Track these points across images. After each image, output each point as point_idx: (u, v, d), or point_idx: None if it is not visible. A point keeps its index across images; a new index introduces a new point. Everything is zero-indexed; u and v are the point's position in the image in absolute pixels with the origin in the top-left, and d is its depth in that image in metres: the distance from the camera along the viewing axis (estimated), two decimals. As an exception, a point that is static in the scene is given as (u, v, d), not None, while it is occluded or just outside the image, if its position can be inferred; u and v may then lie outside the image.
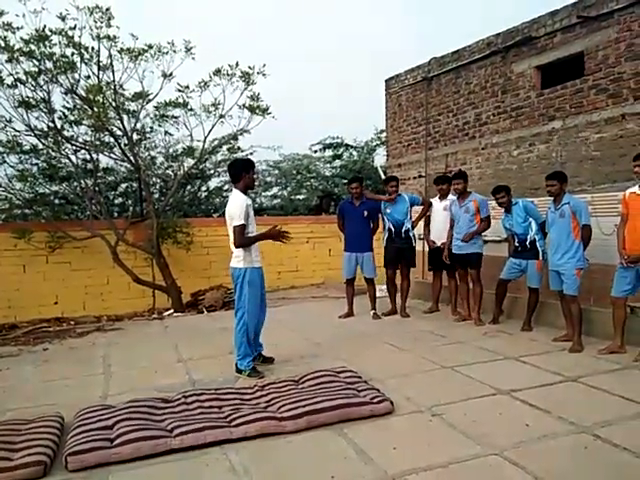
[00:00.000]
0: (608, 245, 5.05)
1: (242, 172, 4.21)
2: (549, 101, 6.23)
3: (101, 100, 6.73)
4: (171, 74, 7.19)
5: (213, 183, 12.24)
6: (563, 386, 3.73)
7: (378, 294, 6.56)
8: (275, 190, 13.89)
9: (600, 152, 5.67)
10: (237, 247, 4.14)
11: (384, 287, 6.82)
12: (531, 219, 5.34)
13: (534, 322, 5.49)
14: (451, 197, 6.41)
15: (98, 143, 7.55)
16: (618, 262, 4.40)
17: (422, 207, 6.55)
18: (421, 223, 6.67)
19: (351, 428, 3.07)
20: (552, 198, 4.95)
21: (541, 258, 5.29)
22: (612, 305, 4.48)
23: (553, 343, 4.88)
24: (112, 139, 7.41)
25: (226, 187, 11.96)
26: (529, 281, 5.39)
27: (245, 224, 4.07)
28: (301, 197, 13.74)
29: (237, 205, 4.10)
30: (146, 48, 7.01)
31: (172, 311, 7.43)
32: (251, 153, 11.55)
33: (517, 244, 5.45)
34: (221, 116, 7.43)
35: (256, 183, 12.97)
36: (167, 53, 7.09)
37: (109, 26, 6.71)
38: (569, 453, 2.70)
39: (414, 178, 8.61)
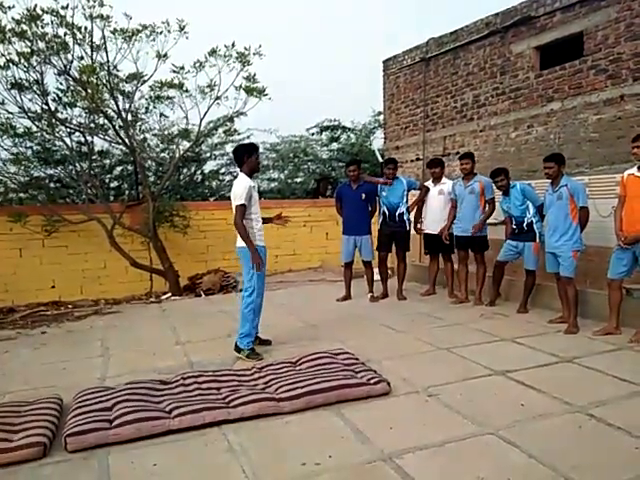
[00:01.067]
0: (605, 227, 5.06)
1: (244, 155, 4.31)
2: (548, 82, 6.18)
3: (95, 81, 6.64)
4: (165, 54, 7.08)
5: (209, 166, 12.18)
6: (558, 367, 3.77)
7: (375, 277, 6.58)
8: (272, 173, 13.82)
9: (598, 134, 5.64)
10: (235, 224, 4.20)
11: (380, 270, 6.83)
12: (528, 202, 5.34)
13: (530, 304, 5.52)
14: (446, 180, 6.39)
15: (93, 125, 7.46)
16: (615, 244, 4.41)
17: (419, 191, 6.52)
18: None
19: (348, 409, 3.10)
20: (550, 180, 4.93)
21: (538, 240, 5.29)
22: (608, 287, 4.50)
23: (549, 325, 4.92)
24: (106, 121, 7.33)
25: (222, 170, 11.91)
26: (526, 263, 5.40)
27: (246, 204, 4.18)
28: (298, 180, 13.68)
29: (240, 186, 4.23)
30: (140, 28, 6.88)
31: (170, 295, 7.44)
32: (248, 136, 11.48)
33: (514, 226, 5.45)
34: (217, 98, 7.34)
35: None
36: (161, 33, 6.97)
37: (102, 5, 6.58)
38: (563, 432, 2.74)
39: (412, 161, 8.58)
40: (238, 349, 4.27)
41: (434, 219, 6.35)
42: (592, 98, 5.67)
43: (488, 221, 6.01)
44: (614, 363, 3.76)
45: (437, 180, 6.41)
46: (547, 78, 6.18)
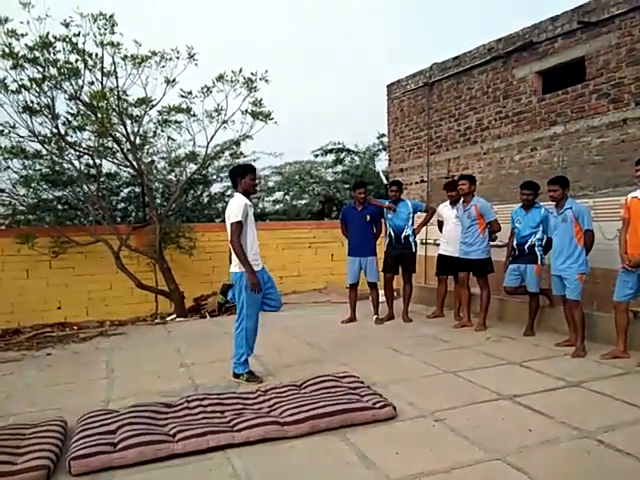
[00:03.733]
0: (610, 250, 5.05)
1: (237, 177, 4.30)
2: (550, 106, 6.25)
3: (105, 106, 6.78)
4: (174, 80, 7.25)
5: (215, 188, 12.27)
6: (566, 391, 3.73)
7: (380, 299, 6.56)
8: (277, 195, 13.92)
9: (602, 157, 5.68)
10: (231, 243, 4.11)
11: (385, 292, 6.82)
12: (541, 228, 5.30)
13: (537, 327, 5.48)
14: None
15: (101, 148, 7.59)
16: (620, 266, 4.40)
17: (426, 214, 6.53)
18: (424, 229, 6.66)
19: (354, 433, 3.07)
20: (554, 203, 4.95)
21: (539, 262, 5.28)
22: (614, 310, 4.47)
23: (556, 348, 4.88)
24: (115, 144, 7.46)
25: (229, 192, 11.98)
26: (528, 286, 5.38)
27: (242, 221, 4.10)
28: (303, 202, 13.76)
29: (236, 204, 4.17)
30: (150, 55, 7.07)
31: (175, 316, 7.44)
32: (254, 160, 11.61)
33: (515, 247, 5.42)
34: (224, 122, 7.48)
35: (258, 188, 13.01)
36: (170, 59, 7.16)
37: (113, 33, 6.77)
38: (572, 458, 2.70)
39: (416, 183, 8.63)
40: (236, 375, 4.25)
41: (449, 241, 6.31)
42: (595, 122, 5.73)
43: (493, 243, 6.00)
44: (622, 387, 3.71)
45: (454, 204, 6.31)
46: (550, 102, 6.25)
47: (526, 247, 5.35)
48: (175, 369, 4.71)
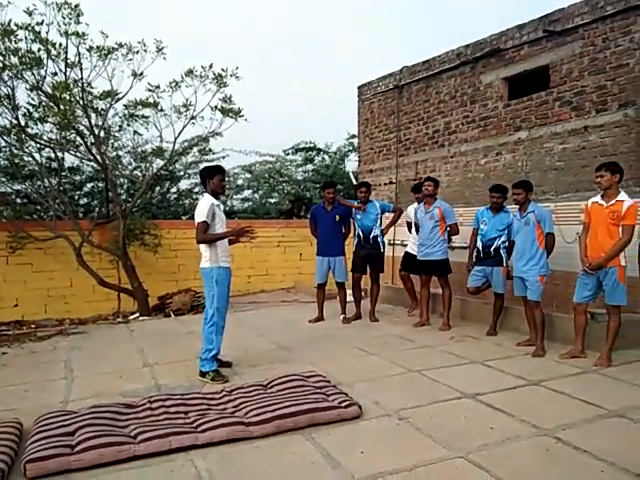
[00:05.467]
0: (570, 253, 5.23)
1: (206, 178, 4.39)
2: (516, 112, 6.42)
3: (68, 98, 6.55)
4: (142, 73, 7.06)
5: (183, 185, 12.09)
6: (526, 390, 3.83)
7: (348, 299, 6.59)
8: (247, 193, 13.81)
9: (563, 162, 5.87)
10: (198, 242, 4.24)
11: (353, 292, 6.85)
12: (507, 232, 5.39)
13: (499, 327, 5.61)
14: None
15: (64, 141, 7.34)
16: (580, 269, 4.54)
17: (393, 214, 6.59)
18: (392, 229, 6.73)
19: (319, 432, 3.06)
20: (518, 206, 5.07)
21: (505, 265, 5.41)
22: (573, 311, 4.62)
23: (517, 347, 5.00)
24: (78, 137, 7.23)
25: (197, 189, 11.82)
26: (495, 287, 5.50)
27: (207, 222, 4.17)
28: (273, 201, 13.70)
29: (202, 205, 4.25)
30: (116, 47, 6.86)
31: (138, 315, 7.28)
32: (223, 157, 11.49)
33: (480, 249, 5.53)
34: (192, 117, 7.34)
35: (227, 186, 12.88)
36: (138, 52, 6.96)
37: (78, 23, 6.55)
38: (531, 455, 2.77)
39: (385, 184, 8.72)
40: (202, 374, 4.20)
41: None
42: (557, 128, 5.92)
43: (457, 244, 6.10)
44: (580, 386, 3.83)
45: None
46: (515, 108, 6.42)
47: (492, 249, 5.46)
48: (137, 369, 4.60)
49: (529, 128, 6.23)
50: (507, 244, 5.40)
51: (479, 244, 5.55)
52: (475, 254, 5.60)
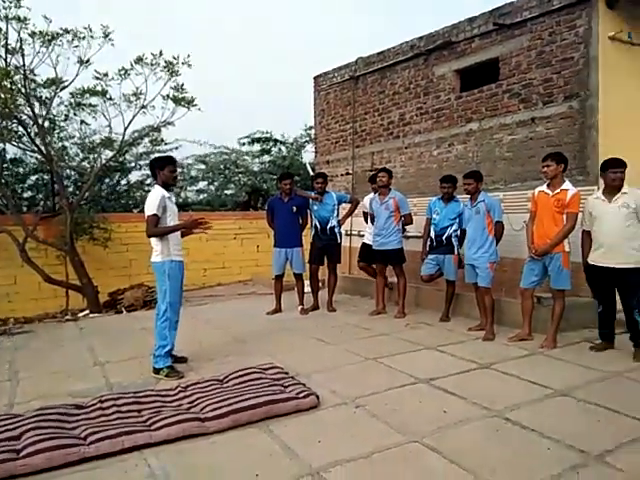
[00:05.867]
0: (518, 240, 5.42)
1: (156, 169, 4.27)
2: (467, 104, 6.56)
3: (9, 85, 6.21)
4: (88, 60, 6.78)
5: (134, 177, 11.73)
6: (477, 373, 3.95)
7: (306, 290, 6.60)
8: (201, 185, 13.54)
9: (512, 153, 6.06)
10: (148, 236, 4.15)
11: (311, 282, 6.86)
12: (458, 220, 5.54)
13: (452, 313, 5.76)
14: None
15: (5, 132, 6.95)
16: (527, 256, 4.72)
17: (350, 205, 6.63)
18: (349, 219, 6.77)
19: (277, 424, 3.06)
20: (469, 196, 5.20)
21: (456, 252, 5.55)
22: (521, 296, 4.80)
23: (468, 332, 5.16)
24: (21, 127, 6.87)
25: (148, 181, 11.48)
26: (447, 274, 5.64)
27: (157, 214, 4.07)
28: (229, 192, 13.49)
29: (152, 198, 4.14)
30: (61, 32, 6.54)
31: (88, 312, 7.02)
32: (177, 147, 11.20)
33: (434, 238, 5.66)
34: (143, 106, 7.11)
35: (181, 178, 12.58)
36: (84, 38, 6.67)
37: (19, 7, 6.20)
38: (482, 436, 2.86)
39: (342, 175, 8.75)
40: (156, 370, 4.10)
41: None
42: (506, 120, 6.09)
43: (411, 234, 6.21)
44: (527, 368, 4.00)
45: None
46: (466, 100, 6.56)
47: (444, 238, 5.59)
48: (87, 368, 4.44)
49: (480, 120, 6.39)
50: (458, 233, 5.55)
51: (432, 233, 5.67)
52: (429, 243, 5.72)
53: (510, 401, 3.30)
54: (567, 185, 4.47)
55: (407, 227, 6.30)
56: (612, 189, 4.20)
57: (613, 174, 4.14)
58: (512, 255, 5.54)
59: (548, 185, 4.56)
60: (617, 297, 4.34)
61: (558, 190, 4.46)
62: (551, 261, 4.50)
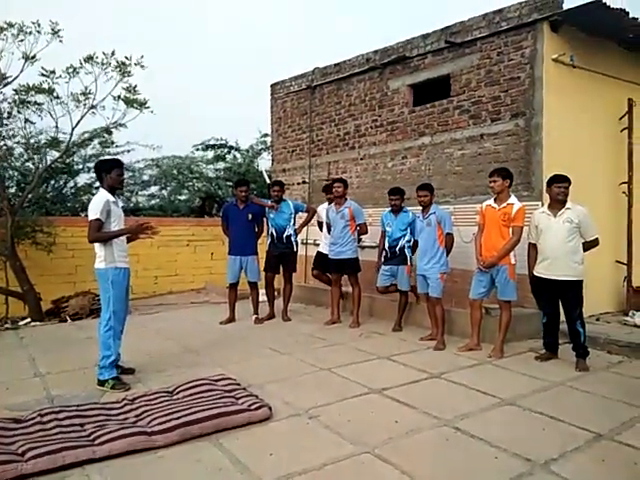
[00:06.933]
0: (467, 252, 5.59)
1: (102, 173, 4.12)
2: (420, 118, 6.73)
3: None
4: (34, 57, 6.49)
5: (82, 179, 11.28)
6: (428, 382, 4.03)
7: (261, 299, 6.53)
8: (153, 189, 13.19)
9: (462, 167, 6.26)
10: (90, 242, 4.00)
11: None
12: (409, 230, 5.65)
13: (404, 322, 5.86)
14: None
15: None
16: (476, 267, 4.87)
17: (307, 214, 6.62)
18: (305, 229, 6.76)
19: (227, 438, 2.99)
20: (422, 208, 5.32)
21: (409, 263, 5.67)
22: (470, 306, 4.95)
23: (420, 342, 5.25)
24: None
25: (97, 184, 11.06)
26: (400, 285, 5.74)
27: (100, 219, 3.92)
28: (182, 198, 13.22)
29: (96, 201, 4.00)
30: (5, 26, 6.25)
31: (29, 320, 6.66)
32: (128, 151, 10.87)
33: (387, 249, 5.75)
34: (92, 107, 6.86)
35: (131, 182, 12.22)
36: (31, 33, 6.39)
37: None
38: (433, 446, 2.91)
39: (298, 184, 8.75)
40: (101, 382, 3.93)
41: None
42: (457, 135, 6.29)
43: (367, 244, 6.27)
44: (476, 377, 4.11)
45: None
46: (419, 114, 6.73)
47: (397, 249, 5.69)
48: (27, 380, 4.20)
49: (432, 134, 6.57)
50: (411, 243, 5.66)
51: (386, 245, 5.76)
52: (384, 254, 5.81)
53: (459, 410, 3.38)
54: (513, 200, 4.67)
55: (362, 237, 6.38)
56: (557, 203, 4.41)
57: (557, 188, 4.35)
58: (462, 266, 5.70)
59: (495, 199, 4.74)
60: (561, 308, 4.54)
61: (504, 204, 4.65)
62: (498, 273, 4.67)
